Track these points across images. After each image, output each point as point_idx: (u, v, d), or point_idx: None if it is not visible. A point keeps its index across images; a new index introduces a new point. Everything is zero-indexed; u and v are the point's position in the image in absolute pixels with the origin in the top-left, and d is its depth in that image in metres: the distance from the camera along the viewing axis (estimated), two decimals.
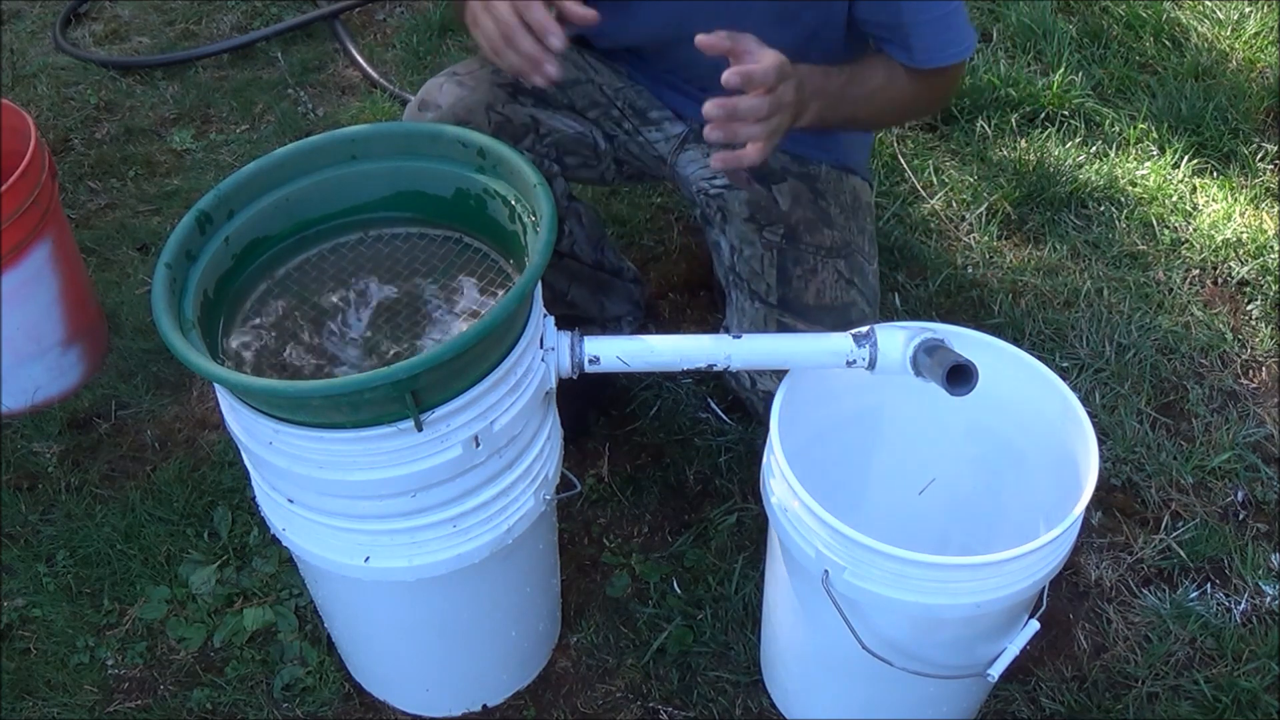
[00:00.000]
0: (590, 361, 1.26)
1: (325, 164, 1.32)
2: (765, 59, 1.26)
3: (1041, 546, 1.18)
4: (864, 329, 1.26)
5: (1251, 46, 2.61)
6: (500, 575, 1.40)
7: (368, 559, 1.27)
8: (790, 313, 1.55)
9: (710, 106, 1.24)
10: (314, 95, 2.71)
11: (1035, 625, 1.32)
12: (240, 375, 1.16)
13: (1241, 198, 2.27)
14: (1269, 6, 2.71)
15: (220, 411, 1.24)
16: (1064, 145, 2.39)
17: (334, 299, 1.28)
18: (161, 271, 1.17)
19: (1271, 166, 2.34)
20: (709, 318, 2.09)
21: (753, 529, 1.76)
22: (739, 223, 1.60)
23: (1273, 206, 2.26)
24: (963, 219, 2.26)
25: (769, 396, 1.36)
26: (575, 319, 1.84)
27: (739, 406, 1.93)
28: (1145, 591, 1.69)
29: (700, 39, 1.26)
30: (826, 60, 1.50)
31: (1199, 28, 2.66)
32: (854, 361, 1.26)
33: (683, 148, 1.67)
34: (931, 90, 1.55)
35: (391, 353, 1.23)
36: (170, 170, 2.54)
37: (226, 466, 1.88)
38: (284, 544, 1.34)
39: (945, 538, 1.56)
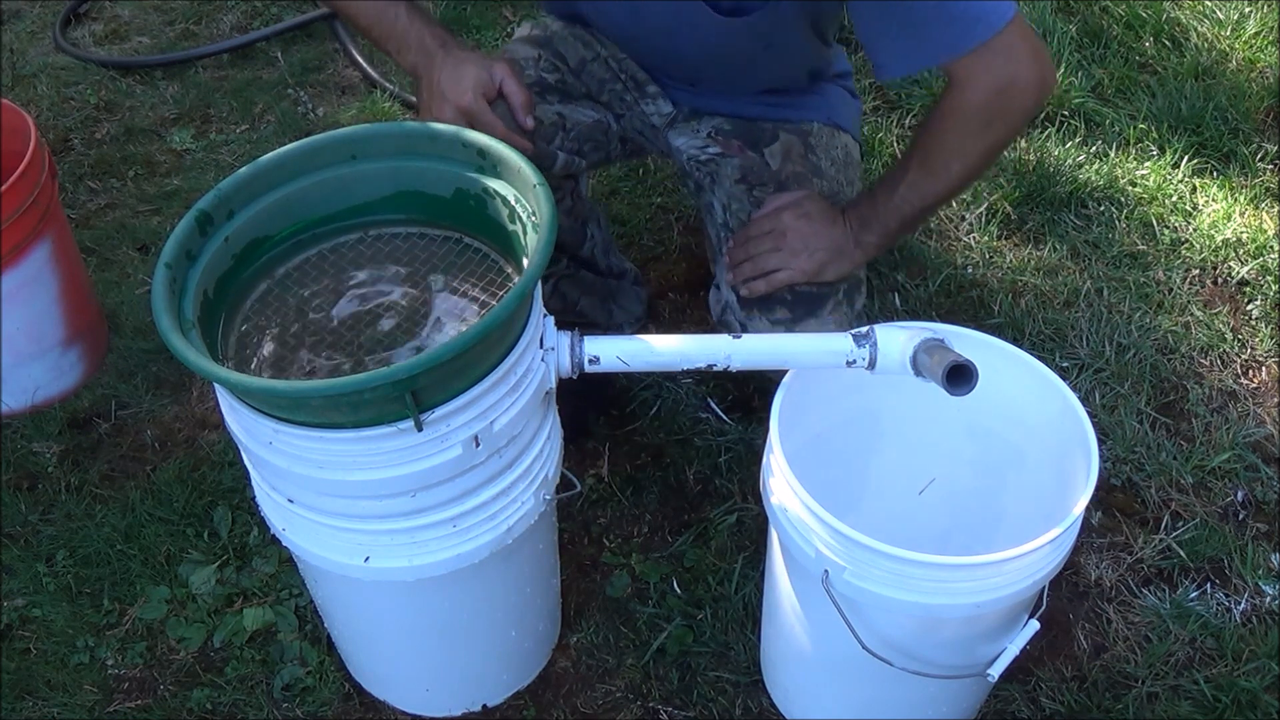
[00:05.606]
0: (590, 361, 1.26)
1: (325, 164, 1.31)
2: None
3: (1041, 546, 1.18)
4: (864, 329, 1.26)
5: (1251, 46, 2.61)
6: (500, 575, 1.40)
7: (368, 559, 1.27)
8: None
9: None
10: (314, 95, 2.71)
11: (1035, 625, 1.32)
12: (240, 375, 1.16)
13: (1241, 198, 2.27)
14: (1269, 6, 2.71)
15: (220, 411, 1.24)
16: (1064, 145, 2.39)
17: (334, 299, 1.28)
18: (161, 271, 1.17)
19: (1271, 166, 2.34)
20: (709, 318, 2.08)
21: (753, 529, 1.76)
22: (730, 184, 1.63)
23: (1273, 206, 2.26)
24: (963, 219, 2.25)
25: None
26: (580, 324, 1.85)
27: (739, 406, 1.93)
28: (1145, 591, 1.69)
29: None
30: (785, 60, 1.51)
31: (1199, 28, 2.66)
32: (854, 361, 1.26)
33: (672, 125, 1.69)
34: (985, 92, 1.35)
35: (391, 352, 1.23)
36: (170, 170, 2.54)
37: (226, 466, 1.88)
38: (284, 544, 1.34)
39: (945, 538, 1.55)
